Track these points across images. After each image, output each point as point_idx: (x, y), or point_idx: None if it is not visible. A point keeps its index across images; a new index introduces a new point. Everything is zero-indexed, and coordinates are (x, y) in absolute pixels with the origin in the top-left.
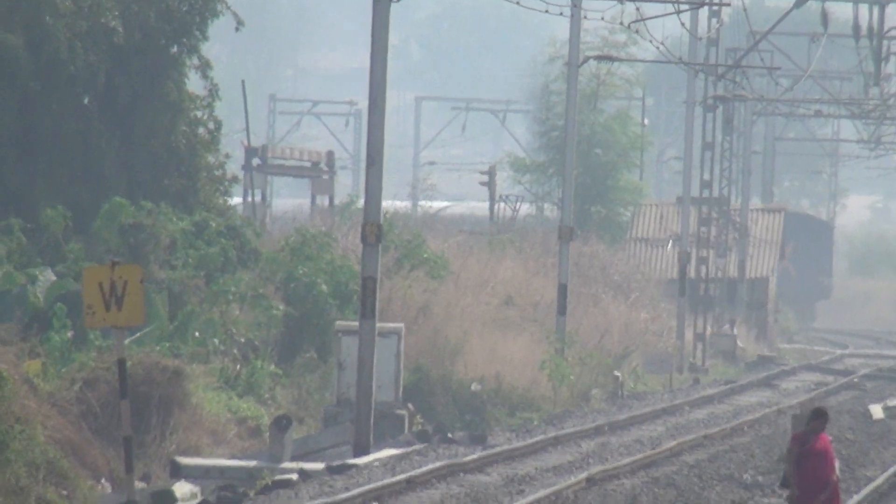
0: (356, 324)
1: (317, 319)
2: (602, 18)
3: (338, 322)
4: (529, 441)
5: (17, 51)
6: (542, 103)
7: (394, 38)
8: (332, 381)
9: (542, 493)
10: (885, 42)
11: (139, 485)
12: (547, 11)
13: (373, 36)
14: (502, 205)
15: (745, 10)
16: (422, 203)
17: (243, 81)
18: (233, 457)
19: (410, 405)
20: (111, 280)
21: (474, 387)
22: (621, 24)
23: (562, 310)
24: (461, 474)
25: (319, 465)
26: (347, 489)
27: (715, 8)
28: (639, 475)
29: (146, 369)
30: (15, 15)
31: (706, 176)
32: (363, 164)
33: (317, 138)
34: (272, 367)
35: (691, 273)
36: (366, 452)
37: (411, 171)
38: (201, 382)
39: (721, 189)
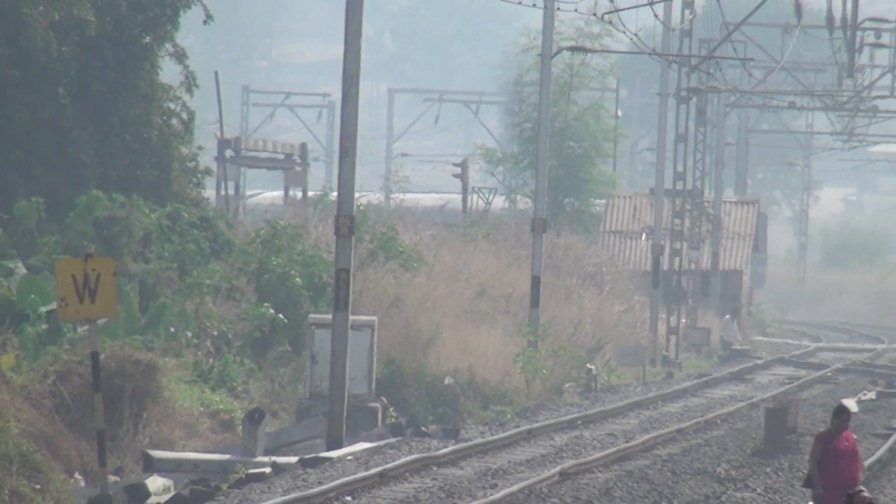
0: (329, 317)
1: (290, 312)
2: (576, 10)
3: (311, 315)
4: (503, 434)
5: None
6: (515, 95)
7: (367, 30)
8: (306, 374)
9: (515, 486)
10: (858, 33)
11: (112, 478)
12: (520, 2)
13: (346, 27)
14: (475, 197)
15: (718, 0)
16: (394, 196)
17: (216, 73)
18: (206, 450)
19: (383, 398)
20: (84, 272)
21: (447, 381)
22: (595, 14)
23: (535, 302)
24: (434, 468)
25: (293, 459)
26: (321, 483)
27: None
28: (612, 469)
29: (119, 362)
30: None
31: (679, 168)
32: (336, 157)
33: (290, 130)
34: (247, 361)
35: (665, 265)
36: (339, 446)
37: (384, 164)
38: (174, 375)
39: (695, 181)
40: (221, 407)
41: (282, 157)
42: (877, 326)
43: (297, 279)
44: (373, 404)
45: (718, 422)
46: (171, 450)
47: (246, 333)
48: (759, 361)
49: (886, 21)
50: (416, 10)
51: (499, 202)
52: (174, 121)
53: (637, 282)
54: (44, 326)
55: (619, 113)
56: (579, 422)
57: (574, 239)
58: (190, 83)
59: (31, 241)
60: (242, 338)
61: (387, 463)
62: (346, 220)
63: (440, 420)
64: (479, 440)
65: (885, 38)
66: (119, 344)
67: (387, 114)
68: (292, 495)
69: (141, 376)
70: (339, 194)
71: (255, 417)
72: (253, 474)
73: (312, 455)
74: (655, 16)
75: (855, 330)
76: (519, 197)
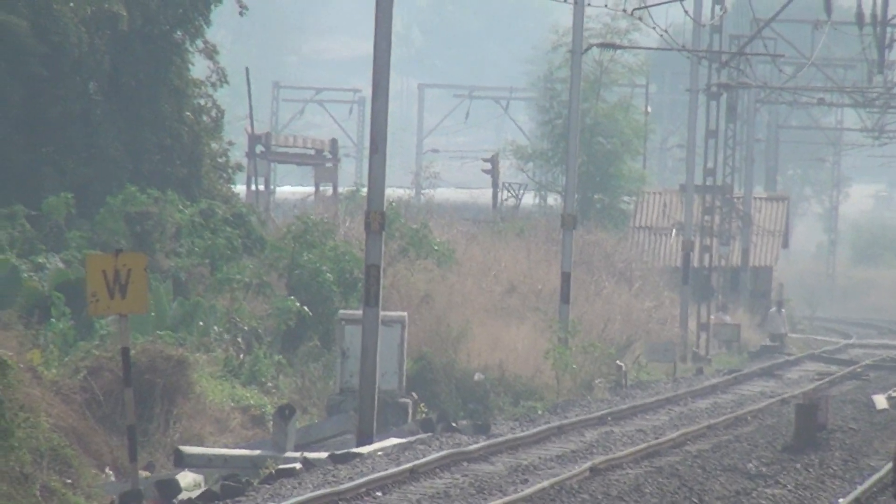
0: (359, 312)
1: (321, 307)
2: (605, 6)
3: (341, 311)
4: (533, 430)
5: (24, 36)
6: (546, 91)
7: (396, 25)
8: (336, 369)
9: (545, 482)
10: (888, 29)
11: (143, 474)
12: None
13: (376, 22)
14: (505, 193)
15: None
16: (425, 191)
17: (247, 68)
18: (236, 446)
19: (414, 394)
20: (115, 268)
21: (478, 376)
22: (624, 10)
23: (565, 298)
24: (465, 463)
25: (323, 455)
26: (351, 478)
27: None
28: (642, 465)
29: (150, 358)
30: (21, 0)
31: (709, 164)
32: (367, 152)
33: (320, 126)
34: (277, 357)
35: (695, 262)
36: (369, 441)
37: (414, 158)
38: (205, 371)
39: (724, 177)
40: (252, 402)
41: (312, 152)
42: None
43: (329, 275)
44: (403, 400)
45: (749, 418)
46: (202, 445)
47: (275, 329)
48: (790, 357)
49: None
50: (444, 5)
51: (528, 198)
52: (204, 117)
53: (667, 278)
54: (70, 322)
55: (649, 109)
56: (609, 418)
57: (604, 235)
58: (220, 79)
59: (59, 237)
60: (272, 333)
61: (417, 459)
62: (377, 216)
63: (470, 416)
64: (509, 436)
65: None
66: (150, 339)
67: (417, 110)
68: (323, 491)
69: (172, 372)
70: (369, 190)
71: (285, 413)
72: (283, 470)
73: (343, 451)
74: (685, 12)
75: (885, 326)
76: (549, 193)
